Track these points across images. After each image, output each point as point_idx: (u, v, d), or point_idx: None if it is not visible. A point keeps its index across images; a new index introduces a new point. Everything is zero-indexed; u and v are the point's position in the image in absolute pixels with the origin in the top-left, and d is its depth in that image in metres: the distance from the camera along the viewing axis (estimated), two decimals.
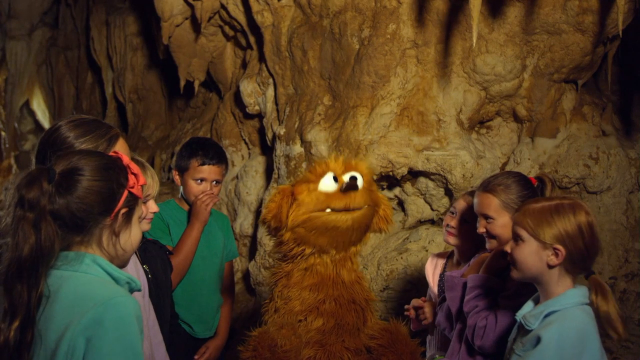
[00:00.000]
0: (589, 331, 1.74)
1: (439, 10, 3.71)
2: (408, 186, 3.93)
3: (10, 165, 9.60)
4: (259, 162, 4.76)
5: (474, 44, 3.40)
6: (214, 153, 2.82)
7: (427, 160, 3.70)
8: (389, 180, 3.89)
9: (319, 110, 4.01)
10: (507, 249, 1.88)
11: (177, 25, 4.79)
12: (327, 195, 2.16)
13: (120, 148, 1.81)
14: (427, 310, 2.51)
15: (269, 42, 4.30)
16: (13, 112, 8.68)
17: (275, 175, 4.25)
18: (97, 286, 1.44)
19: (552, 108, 3.91)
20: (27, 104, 8.66)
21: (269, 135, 4.48)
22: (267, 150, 4.68)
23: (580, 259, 1.78)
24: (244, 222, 4.69)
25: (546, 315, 1.77)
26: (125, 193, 1.51)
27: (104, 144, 1.76)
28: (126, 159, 1.56)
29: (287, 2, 4.18)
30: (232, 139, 5.07)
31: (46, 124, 8.61)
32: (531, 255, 1.79)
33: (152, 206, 2.12)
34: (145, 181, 1.56)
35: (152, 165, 5.77)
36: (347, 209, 2.14)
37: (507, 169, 3.92)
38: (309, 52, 4.04)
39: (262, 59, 4.49)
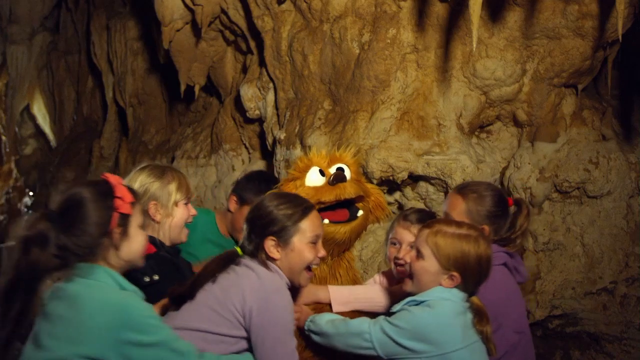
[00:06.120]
0: (451, 323, 1.82)
1: (439, 15, 3.71)
2: (408, 190, 3.93)
3: (10, 170, 9.60)
4: (259, 166, 4.77)
5: (474, 49, 3.40)
6: None
7: (428, 165, 3.70)
8: (389, 184, 3.89)
9: (319, 114, 4.01)
10: (407, 259, 1.94)
11: (178, 30, 4.80)
12: (316, 189, 2.17)
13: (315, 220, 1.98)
14: None
15: (270, 46, 4.31)
16: (14, 116, 8.69)
17: None
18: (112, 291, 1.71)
19: (552, 112, 3.91)
20: (27, 108, 8.67)
21: (269, 139, 4.48)
22: (268, 154, 4.68)
23: (470, 284, 1.88)
24: None
25: (407, 303, 1.89)
26: (116, 215, 1.71)
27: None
28: (113, 181, 1.76)
29: (287, 6, 4.19)
30: (233, 143, 5.07)
31: (46, 129, 8.62)
32: (429, 274, 1.87)
33: (192, 210, 2.33)
34: (132, 199, 1.76)
35: None
36: (338, 200, 2.16)
37: (508, 173, 3.93)
38: (309, 56, 4.05)
39: (262, 63, 4.50)
